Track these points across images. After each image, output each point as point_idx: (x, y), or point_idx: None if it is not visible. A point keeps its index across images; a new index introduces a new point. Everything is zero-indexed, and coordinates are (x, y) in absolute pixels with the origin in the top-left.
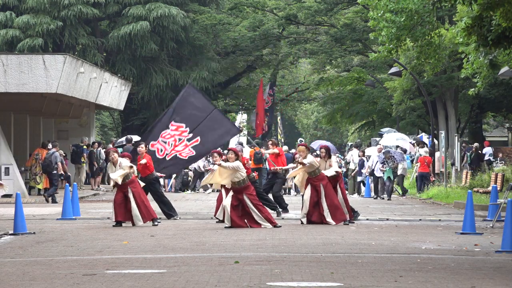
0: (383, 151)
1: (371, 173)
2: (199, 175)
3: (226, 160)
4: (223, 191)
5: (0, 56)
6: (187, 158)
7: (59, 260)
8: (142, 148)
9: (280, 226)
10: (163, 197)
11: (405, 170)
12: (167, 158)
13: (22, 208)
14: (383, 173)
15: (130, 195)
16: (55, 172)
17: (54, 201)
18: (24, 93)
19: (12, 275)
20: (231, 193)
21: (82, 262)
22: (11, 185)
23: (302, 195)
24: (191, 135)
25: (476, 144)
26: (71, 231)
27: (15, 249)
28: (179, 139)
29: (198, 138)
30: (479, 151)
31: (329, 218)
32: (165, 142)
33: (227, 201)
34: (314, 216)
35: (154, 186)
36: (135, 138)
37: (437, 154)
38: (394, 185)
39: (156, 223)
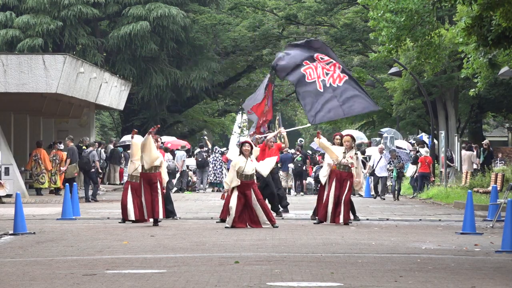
0: (389, 150)
1: (372, 173)
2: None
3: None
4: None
5: (0, 56)
6: (342, 82)
7: (59, 260)
8: (158, 142)
9: (277, 227)
10: (170, 195)
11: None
12: (323, 87)
13: (22, 208)
14: (392, 172)
15: (158, 187)
16: (93, 170)
17: (95, 200)
18: (24, 93)
19: (12, 275)
20: (235, 193)
21: (82, 262)
22: (11, 185)
23: (326, 193)
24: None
25: (486, 141)
26: (71, 231)
27: (15, 249)
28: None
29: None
30: (491, 149)
31: (342, 219)
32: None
33: (233, 202)
34: (337, 218)
35: (169, 181)
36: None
37: (468, 153)
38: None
39: (157, 223)
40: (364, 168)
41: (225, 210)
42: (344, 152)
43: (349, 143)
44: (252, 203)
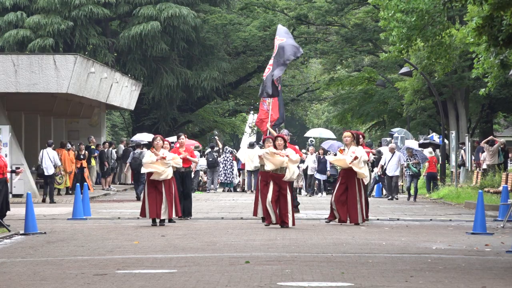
0: (404, 147)
1: (384, 173)
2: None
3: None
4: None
5: (11, 56)
6: (265, 77)
7: (70, 260)
8: (182, 139)
9: (286, 227)
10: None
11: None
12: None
13: (33, 208)
14: (407, 169)
15: (163, 188)
16: None
17: (139, 199)
18: (34, 93)
19: (23, 275)
20: (271, 188)
21: (92, 262)
22: (22, 185)
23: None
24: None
25: (503, 141)
26: (82, 231)
27: (26, 249)
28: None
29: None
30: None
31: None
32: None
33: (269, 198)
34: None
35: (191, 180)
36: (147, 137)
37: (494, 147)
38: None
39: (163, 223)
40: (373, 168)
41: (257, 208)
42: (344, 148)
43: (350, 138)
44: (286, 198)
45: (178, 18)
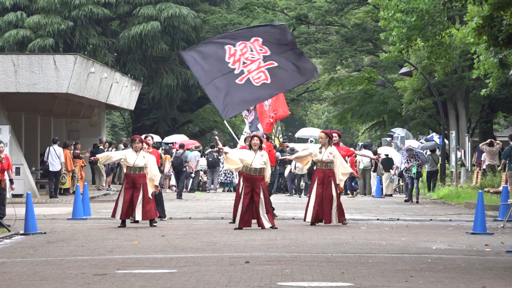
0: (405, 148)
1: (400, 174)
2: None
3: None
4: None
5: (11, 56)
6: (259, 84)
7: (70, 260)
8: (149, 140)
9: (276, 228)
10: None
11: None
12: (238, 81)
13: (33, 208)
14: (409, 172)
15: (141, 189)
16: (184, 169)
17: (180, 197)
18: (34, 93)
19: (23, 275)
20: (244, 191)
21: (92, 262)
22: (21, 185)
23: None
24: (268, 54)
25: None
26: (82, 231)
27: (25, 249)
28: (252, 57)
29: (274, 62)
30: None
31: (334, 219)
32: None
33: (241, 203)
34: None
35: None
36: (178, 138)
37: (495, 147)
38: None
39: (154, 224)
40: (385, 170)
41: (236, 210)
42: (321, 148)
43: (323, 140)
44: (259, 199)
45: (178, 18)
